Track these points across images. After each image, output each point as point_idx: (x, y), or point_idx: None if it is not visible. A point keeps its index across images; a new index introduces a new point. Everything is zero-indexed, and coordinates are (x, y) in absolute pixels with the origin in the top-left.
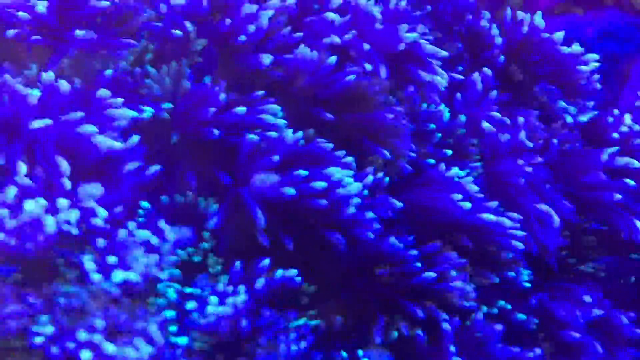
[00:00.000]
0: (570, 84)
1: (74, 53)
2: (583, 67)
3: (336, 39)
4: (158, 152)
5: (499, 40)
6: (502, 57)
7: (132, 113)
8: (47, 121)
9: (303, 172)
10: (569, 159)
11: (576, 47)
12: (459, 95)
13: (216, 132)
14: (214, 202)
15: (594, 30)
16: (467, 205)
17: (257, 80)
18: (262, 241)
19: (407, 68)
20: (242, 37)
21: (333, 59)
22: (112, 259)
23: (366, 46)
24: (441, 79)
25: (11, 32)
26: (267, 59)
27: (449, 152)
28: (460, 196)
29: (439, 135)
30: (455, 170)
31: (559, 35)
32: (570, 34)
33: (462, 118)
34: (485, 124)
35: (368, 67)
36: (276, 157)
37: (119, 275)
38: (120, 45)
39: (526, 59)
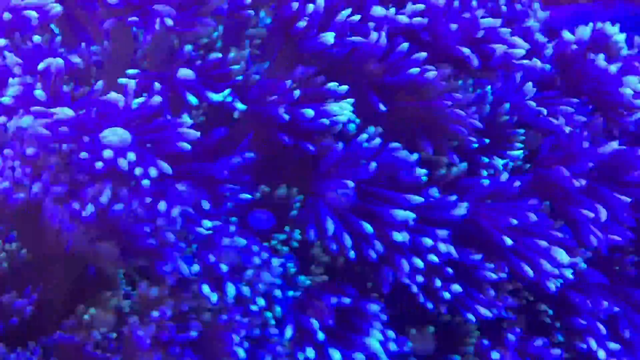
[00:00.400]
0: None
1: (154, 32)
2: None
3: (404, 19)
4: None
5: (549, 51)
6: (548, 66)
7: (217, 97)
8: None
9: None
10: (614, 157)
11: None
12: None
13: (286, 116)
14: (297, 192)
15: (601, 20)
16: (509, 241)
17: (318, 63)
18: (330, 246)
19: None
20: (302, 23)
21: (405, 45)
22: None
23: (453, 26)
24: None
25: (108, 24)
26: (330, 36)
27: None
28: (515, 221)
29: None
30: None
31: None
32: (578, 23)
33: (507, 106)
34: (559, 120)
35: (466, 51)
36: (351, 184)
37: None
38: (202, 23)
39: (571, 75)
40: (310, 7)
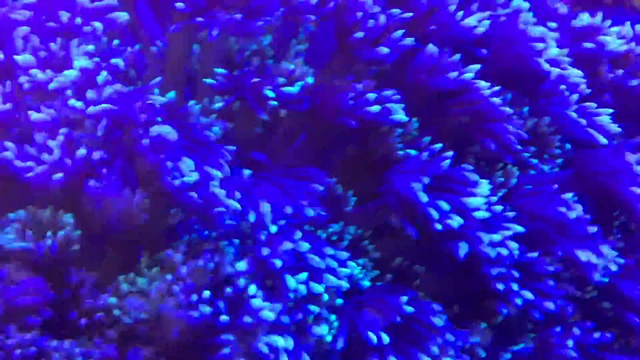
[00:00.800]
0: None
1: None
2: None
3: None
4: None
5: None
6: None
7: (293, 89)
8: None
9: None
10: None
11: None
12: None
13: (351, 102)
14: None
15: None
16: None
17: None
18: (411, 233)
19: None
20: (360, 34)
21: (457, 56)
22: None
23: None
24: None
25: (175, 27)
26: (385, 49)
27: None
28: (564, 209)
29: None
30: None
31: None
32: None
33: (547, 119)
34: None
35: (550, 68)
36: (427, 179)
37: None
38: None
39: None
40: (371, 21)
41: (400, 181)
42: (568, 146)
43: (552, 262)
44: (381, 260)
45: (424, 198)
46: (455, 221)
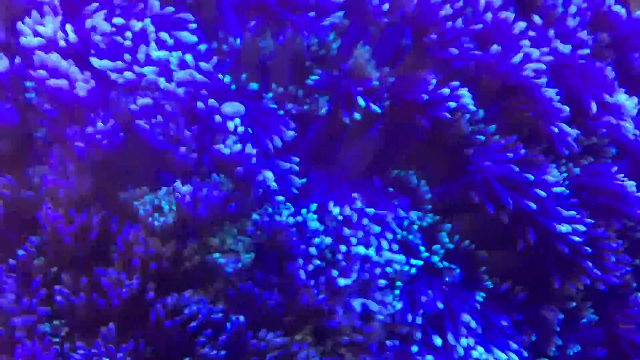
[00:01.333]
0: None
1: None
2: None
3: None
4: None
5: None
6: None
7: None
8: None
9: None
10: None
11: None
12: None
13: (425, 97)
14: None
15: None
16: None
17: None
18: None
19: None
20: (434, 36)
21: (520, 56)
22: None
23: None
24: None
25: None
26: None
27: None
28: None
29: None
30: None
31: None
32: None
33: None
34: None
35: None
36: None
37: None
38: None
39: None
40: (449, 23)
41: (485, 159)
42: (613, 151)
43: (613, 234)
44: (452, 250)
45: (516, 168)
46: (533, 200)
